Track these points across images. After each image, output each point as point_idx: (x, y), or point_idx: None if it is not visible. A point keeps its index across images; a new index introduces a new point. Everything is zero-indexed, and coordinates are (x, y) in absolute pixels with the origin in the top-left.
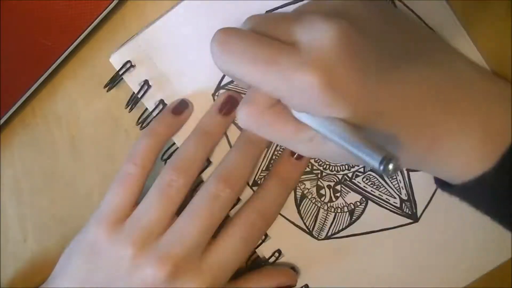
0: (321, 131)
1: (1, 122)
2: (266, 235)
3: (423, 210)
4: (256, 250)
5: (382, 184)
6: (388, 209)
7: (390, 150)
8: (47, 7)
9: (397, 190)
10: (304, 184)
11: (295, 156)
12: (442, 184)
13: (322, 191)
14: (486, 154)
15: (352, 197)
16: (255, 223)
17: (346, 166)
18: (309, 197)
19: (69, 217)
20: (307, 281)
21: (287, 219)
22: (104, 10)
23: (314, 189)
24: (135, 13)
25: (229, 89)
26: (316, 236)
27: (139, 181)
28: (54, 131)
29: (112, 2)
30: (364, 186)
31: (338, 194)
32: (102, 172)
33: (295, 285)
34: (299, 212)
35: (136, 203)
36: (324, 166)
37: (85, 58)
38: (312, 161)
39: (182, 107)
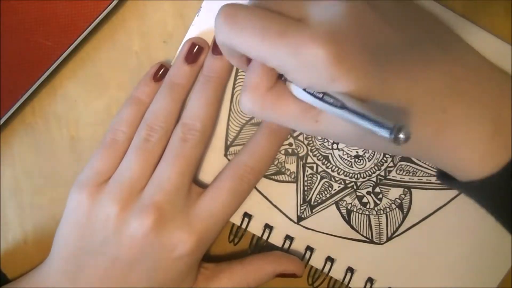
0: (324, 108)
1: (1, 122)
2: (332, 260)
3: None
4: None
5: (417, 169)
6: (434, 189)
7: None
8: (47, 7)
9: (434, 168)
10: (345, 200)
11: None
12: (443, 178)
13: (364, 200)
14: (494, 151)
15: (395, 193)
16: (244, 175)
17: (377, 167)
18: (355, 210)
19: None
20: (389, 285)
21: (344, 237)
22: (104, 10)
23: (356, 201)
24: (135, 13)
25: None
26: (379, 242)
27: (122, 147)
28: (54, 131)
29: (112, 2)
30: (400, 178)
31: (380, 196)
32: None
33: (301, 275)
34: (352, 227)
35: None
36: (356, 177)
37: (85, 58)
38: (343, 175)
39: (162, 73)
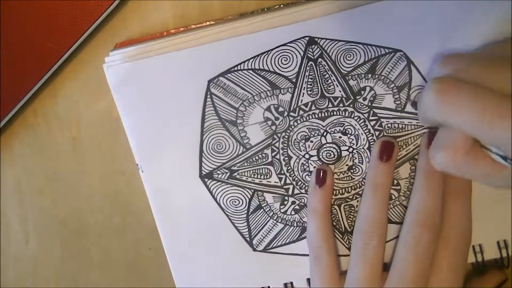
0: None
1: (3, 123)
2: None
3: None
4: None
5: (404, 138)
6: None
7: None
8: (48, 8)
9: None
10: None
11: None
12: None
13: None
14: None
15: (404, 171)
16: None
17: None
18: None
19: (71, 218)
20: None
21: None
22: (105, 11)
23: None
24: (136, 13)
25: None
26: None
27: (330, 261)
28: (56, 132)
29: (113, 3)
30: (399, 155)
31: (395, 182)
32: (103, 173)
33: (507, 279)
34: (398, 223)
35: (339, 275)
36: (364, 182)
37: (87, 59)
38: (353, 191)
39: (323, 176)
